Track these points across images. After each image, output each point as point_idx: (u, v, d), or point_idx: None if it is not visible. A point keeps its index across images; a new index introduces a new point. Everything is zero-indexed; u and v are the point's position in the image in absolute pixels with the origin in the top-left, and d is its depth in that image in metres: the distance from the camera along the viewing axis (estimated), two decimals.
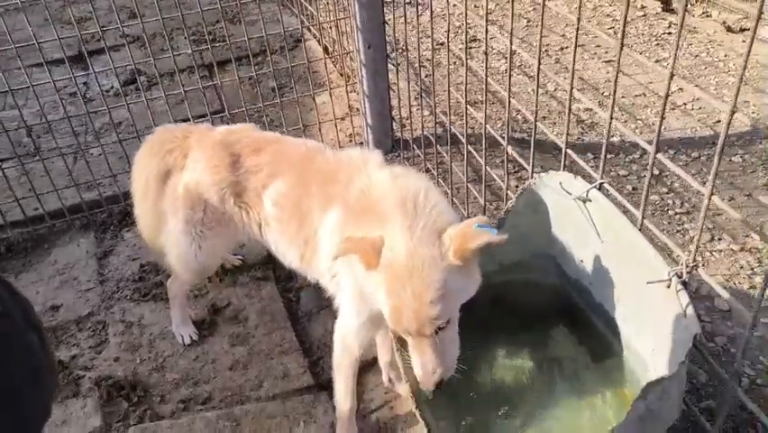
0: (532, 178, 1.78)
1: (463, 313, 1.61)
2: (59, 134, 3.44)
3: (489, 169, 2.51)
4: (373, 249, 1.55)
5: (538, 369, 1.84)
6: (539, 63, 1.86)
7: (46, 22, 3.21)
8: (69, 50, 3.76)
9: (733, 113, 1.22)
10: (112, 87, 4.34)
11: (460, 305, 1.59)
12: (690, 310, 1.32)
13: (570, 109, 1.78)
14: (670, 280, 1.36)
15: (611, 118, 1.59)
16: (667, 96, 1.41)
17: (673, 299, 1.37)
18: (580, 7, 1.64)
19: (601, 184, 1.62)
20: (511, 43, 2.02)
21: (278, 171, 2.04)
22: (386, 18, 3.13)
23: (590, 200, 1.63)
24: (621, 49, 1.50)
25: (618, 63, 1.55)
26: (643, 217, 1.52)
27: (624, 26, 1.52)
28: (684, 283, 1.38)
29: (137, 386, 2.36)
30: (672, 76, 1.33)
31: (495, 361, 1.88)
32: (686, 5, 1.30)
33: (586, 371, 1.78)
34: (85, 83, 4.46)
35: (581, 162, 1.83)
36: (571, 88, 1.73)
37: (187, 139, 2.21)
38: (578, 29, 1.70)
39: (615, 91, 1.59)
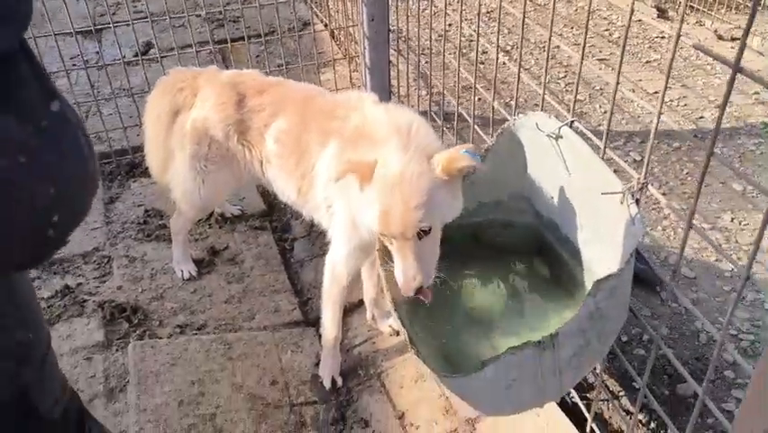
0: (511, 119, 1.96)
1: (447, 244, 1.77)
2: (75, 95, 3.62)
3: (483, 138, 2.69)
4: (368, 167, 1.71)
5: (510, 297, 2.01)
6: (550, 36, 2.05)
7: None
8: (84, 22, 3.95)
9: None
10: (124, 57, 4.53)
11: (443, 220, 1.75)
12: (638, 219, 1.50)
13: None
14: (623, 193, 1.53)
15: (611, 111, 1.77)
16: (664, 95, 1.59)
17: (626, 214, 1.54)
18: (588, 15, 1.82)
19: (572, 122, 1.80)
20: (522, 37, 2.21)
21: (280, 110, 2.21)
22: (389, 3, 3.33)
23: (562, 137, 1.81)
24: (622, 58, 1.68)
25: (619, 71, 1.73)
26: (605, 147, 1.70)
27: (626, 37, 1.70)
28: (637, 201, 1.56)
29: (138, 311, 2.53)
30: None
31: (472, 287, 2.05)
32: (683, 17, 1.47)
33: (553, 296, 1.95)
34: (98, 52, 4.65)
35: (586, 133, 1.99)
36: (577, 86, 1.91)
37: (197, 79, 2.39)
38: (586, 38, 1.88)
39: (615, 92, 1.77)
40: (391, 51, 3.45)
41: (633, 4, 1.49)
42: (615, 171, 1.71)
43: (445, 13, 3.05)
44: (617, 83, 1.62)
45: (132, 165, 3.41)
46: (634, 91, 4.33)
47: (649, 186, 1.56)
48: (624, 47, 1.61)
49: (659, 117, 1.47)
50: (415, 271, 1.68)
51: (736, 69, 1.20)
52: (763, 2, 5.27)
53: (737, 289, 2.45)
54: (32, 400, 1.03)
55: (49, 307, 2.52)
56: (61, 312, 2.50)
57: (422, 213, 1.62)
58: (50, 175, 0.79)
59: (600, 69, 4.59)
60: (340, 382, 2.32)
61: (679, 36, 1.35)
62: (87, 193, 0.89)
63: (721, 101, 1.21)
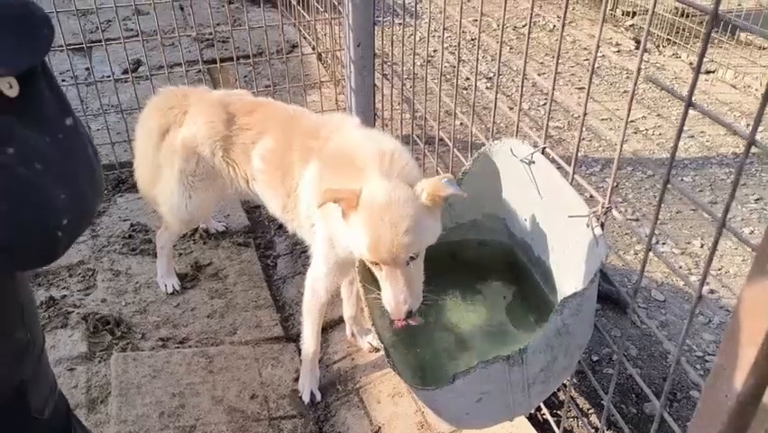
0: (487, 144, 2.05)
1: (425, 265, 1.84)
2: None
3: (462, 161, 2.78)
4: (353, 194, 1.76)
5: (485, 315, 2.08)
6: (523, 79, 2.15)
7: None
8: (75, 38, 4.02)
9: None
10: (114, 73, 4.60)
11: (428, 244, 1.83)
12: (602, 241, 1.59)
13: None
14: (588, 217, 1.62)
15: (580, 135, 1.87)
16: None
17: (591, 237, 1.63)
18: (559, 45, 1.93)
19: (544, 149, 1.90)
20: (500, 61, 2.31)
21: (266, 129, 2.29)
22: (375, 30, 3.44)
23: (534, 162, 1.90)
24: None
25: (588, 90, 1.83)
26: (573, 173, 1.80)
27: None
28: (602, 224, 1.65)
29: (121, 323, 2.57)
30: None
31: (449, 306, 2.12)
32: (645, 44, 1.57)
33: (525, 316, 2.03)
34: (87, 68, 4.72)
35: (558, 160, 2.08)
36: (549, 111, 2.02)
37: (187, 98, 2.47)
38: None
39: (584, 115, 1.87)
40: (377, 75, 3.56)
41: (598, 42, 1.60)
42: (589, 196, 1.80)
43: (428, 39, 3.16)
44: (584, 114, 1.71)
45: (119, 180, 3.46)
46: (611, 120, 4.47)
47: (613, 210, 1.65)
48: (591, 77, 1.71)
49: (621, 146, 1.56)
50: (405, 296, 1.74)
51: (689, 104, 1.30)
52: (736, 36, 5.48)
53: (704, 311, 2.55)
54: (27, 398, 1.09)
55: None
56: (46, 323, 2.53)
57: (410, 238, 1.69)
58: (63, 182, 0.87)
59: (579, 97, 4.74)
60: (318, 396, 2.38)
61: (639, 71, 1.45)
62: (95, 199, 0.98)
63: (683, 131, 1.30)
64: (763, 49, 5.37)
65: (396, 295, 1.74)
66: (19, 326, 1.06)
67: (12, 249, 0.85)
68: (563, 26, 1.79)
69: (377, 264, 1.77)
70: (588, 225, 1.65)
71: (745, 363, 1.10)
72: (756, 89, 4.85)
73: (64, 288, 2.76)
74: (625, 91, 4.87)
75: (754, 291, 1.06)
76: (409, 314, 1.77)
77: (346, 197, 1.76)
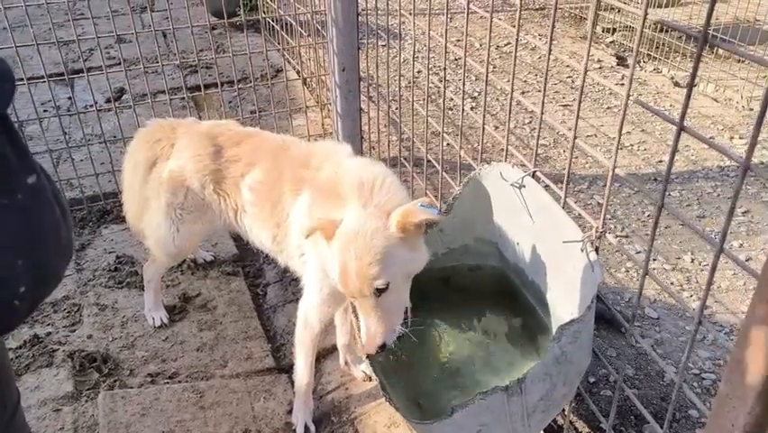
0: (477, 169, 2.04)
1: (417, 290, 1.82)
2: (46, 142, 3.63)
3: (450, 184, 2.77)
4: (332, 225, 1.77)
5: (480, 340, 2.06)
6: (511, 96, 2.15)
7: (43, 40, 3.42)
8: (56, 68, 3.98)
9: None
10: (97, 102, 4.56)
11: (405, 274, 1.78)
12: (597, 266, 1.57)
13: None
14: (582, 242, 1.61)
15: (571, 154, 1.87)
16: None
17: (585, 262, 1.62)
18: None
19: (534, 172, 1.89)
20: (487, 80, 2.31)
21: (255, 160, 2.26)
22: (360, 53, 3.44)
23: (525, 186, 1.89)
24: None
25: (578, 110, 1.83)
26: (565, 197, 1.79)
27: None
28: (596, 248, 1.64)
29: (108, 360, 2.51)
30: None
31: (444, 333, 2.09)
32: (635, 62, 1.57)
33: (520, 341, 2.00)
34: (70, 98, 4.68)
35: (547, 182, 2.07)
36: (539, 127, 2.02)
37: (175, 131, 2.44)
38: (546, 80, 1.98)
39: (576, 126, 1.87)
40: (362, 98, 3.56)
41: (585, 66, 1.59)
42: (578, 215, 1.79)
43: (413, 62, 3.17)
44: (574, 138, 1.70)
45: (103, 211, 3.41)
46: (596, 136, 4.49)
47: (607, 234, 1.64)
48: (580, 99, 1.71)
49: (613, 171, 1.55)
50: (375, 329, 1.72)
51: (681, 127, 1.29)
52: (715, 51, 5.56)
53: (700, 331, 2.54)
54: None
55: (17, 357, 2.49)
56: (30, 363, 2.47)
57: (376, 270, 1.66)
58: (17, 246, 0.81)
59: (564, 114, 4.76)
60: (313, 429, 2.32)
61: (629, 92, 1.45)
62: (59, 262, 0.91)
63: (668, 146, 1.29)
64: (742, 62, 5.44)
65: (368, 328, 1.73)
66: None
67: None
68: (550, 51, 1.79)
69: (353, 296, 1.75)
70: (582, 250, 1.63)
71: (750, 392, 1.08)
72: (737, 102, 4.91)
73: (49, 324, 2.70)
74: (608, 107, 4.90)
75: (757, 320, 1.04)
76: (382, 347, 1.73)
77: (325, 227, 1.77)
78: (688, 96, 1.26)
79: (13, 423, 1.08)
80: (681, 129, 1.30)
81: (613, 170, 1.56)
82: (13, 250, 0.80)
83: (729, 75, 5.22)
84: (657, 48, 5.62)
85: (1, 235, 0.78)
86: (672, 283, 3.10)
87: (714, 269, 1.27)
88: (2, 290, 0.80)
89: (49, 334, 2.63)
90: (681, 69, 5.46)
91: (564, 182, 1.78)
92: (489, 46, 2.12)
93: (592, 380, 2.49)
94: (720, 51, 5.55)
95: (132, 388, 2.40)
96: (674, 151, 1.33)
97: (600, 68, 5.56)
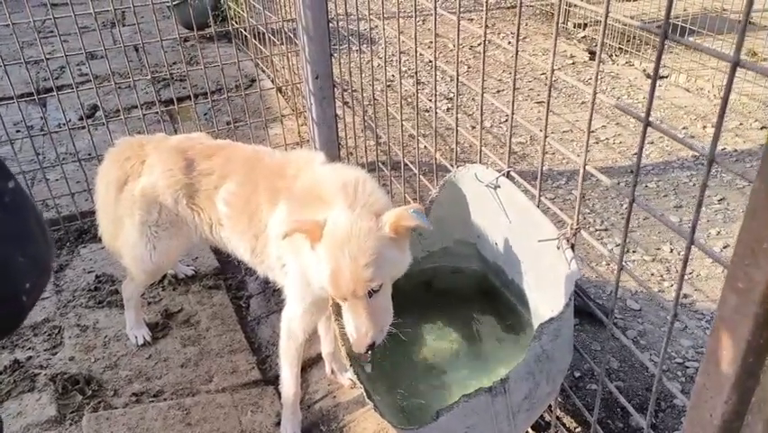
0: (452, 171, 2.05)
1: (399, 294, 1.82)
2: (18, 163, 3.59)
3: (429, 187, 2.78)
4: (317, 226, 1.76)
5: (464, 343, 2.06)
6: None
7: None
8: (27, 88, 3.94)
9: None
10: (69, 121, 4.52)
11: (392, 276, 1.80)
12: (573, 263, 1.58)
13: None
14: (558, 240, 1.62)
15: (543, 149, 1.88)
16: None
17: (562, 259, 1.63)
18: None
19: (508, 172, 1.90)
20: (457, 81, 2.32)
21: (229, 173, 2.25)
22: (333, 59, 3.44)
23: (500, 186, 1.90)
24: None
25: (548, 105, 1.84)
26: (539, 196, 1.80)
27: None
28: (572, 245, 1.65)
29: (91, 381, 2.48)
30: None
31: (427, 337, 2.09)
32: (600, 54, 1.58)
33: (503, 341, 2.01)
34: (42, 117, 4.63)
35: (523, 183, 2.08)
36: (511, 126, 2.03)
37: (144, 147, 2.42)
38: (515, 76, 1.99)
39: (546, 126, 1.88)
40: (338, 104, 3.55)
41: (552, 64, 1.60)
42: (555, 215, 1.80)
43: (385, 66, 3.17)
44: (545, 136, 1.71)
45: (81, 231, 3.37)
46: (572, 131, 4.53)
47: (585, 229, 1.65)
48: (549, 94, 1.72)
49: (584, 169, 1.56)
50: (366, 328, 1.72)
51: (647, 123, 1.30)
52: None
53: (679, 317, 2.56)
54: None
55: None
56: (11, 388, 2.43)
57: (371, 271, 1.67)
58: (18, 244, 0.84)
59: (539, 111, 4.79)
60: None
61: (596, 89, 1.46)
62: (49, 255, 0.94)
63: (640, 144, 1.31)
64: None
65: (358, 327, 1.72)
66: None
67: None
68: (517, 48, 1.80)
69: (344, 297, 1.74)
70: (558, 248, 1.64)
71: (726, 381, 1.10)
72: (709, 91, 4.97)
73: (29, 348, 2.66)
74: (583, 102, 4.94)
75: (729, 310, 1.05)
76: (371, 346, 1.74)
77: (310, 228, 1.75)
78: (652, 92, 1.27)
79: None
80: (647, 125, 1.31)
81: (584, 168, 1.57)
82: (14, 247, 0.84)
83: (700, 65, 5.29)
84: (629, 41, 5.68)
85: (2, 236, 0.82)
86: (652, 274, 3.13)
87: (686, 261, 1.28)
88: (11, 287, 0.83)
89: (29, 358, 2.60)
90: (653, 61, 5.51)
91: (538, 181, 1.79)
92: (459, 47, 2.13)
93: (578, 374, 2.50)
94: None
95: (116, 408, 2.37)
96: (642, 146, 1.34)
97: (573, 63, 5.61)
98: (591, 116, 1.48)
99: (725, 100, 1.09)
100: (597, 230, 3.46)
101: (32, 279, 0.86)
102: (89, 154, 3.61)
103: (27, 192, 0.92)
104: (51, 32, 5.97)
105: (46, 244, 0.92)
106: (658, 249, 3.32)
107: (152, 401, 2.42)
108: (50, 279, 0.95)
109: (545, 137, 1.71)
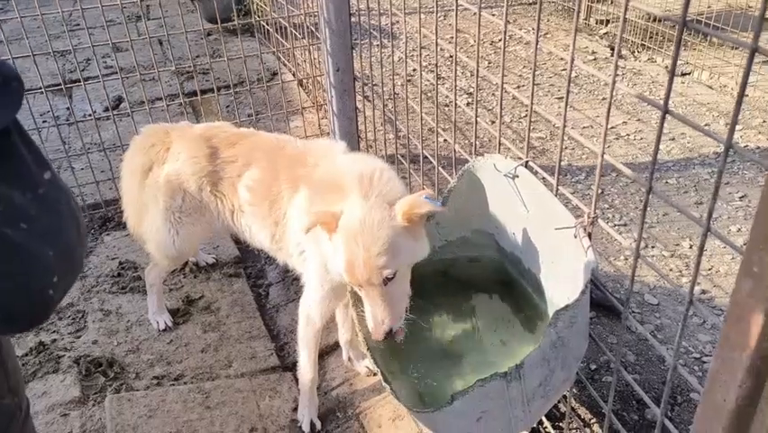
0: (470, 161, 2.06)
1: (416, 282, 1.85)
2: (46, 151, 3.67)
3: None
4: (334, 217, 1.79)
5: (479, 330, 2.08)
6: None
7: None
8: (54, 79, 4.01)
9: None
10: (95, 111, 4.60)
11: (409, 263, 1.83)
12: (590, 251, 1.59)
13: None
14: (575, 228, 1.63)
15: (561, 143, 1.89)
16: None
17: (579, 248, 1.64)
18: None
19: (527, 162, 1.91)
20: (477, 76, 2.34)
21: (251, 160, 2.29)
22: (354, 53, 3.47)
23: (518, 176, 1.91)
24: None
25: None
26: (557, 185, 1.81)
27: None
28: (589, 234, 1.66)
29: (114, 364, 2.54)
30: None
31: (443, 324, 2.12)
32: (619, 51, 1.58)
33: (519, 330, 2.02)
34: (68, 108, 4.71)
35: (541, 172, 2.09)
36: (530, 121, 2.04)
37: (169, 135, 2.46)
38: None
39: (564, 126, 1.89)
40: (358, 98, 3.58)
41: (572, 54, 1.61)
42: (575, 206, 1.81)
43: (406, 60, 3.19)
44: (564, 125, 1.73)
45: (105, 219, 3.44)
46: (592, 127, 4.51)
47: (603, 222, 1.66)
48: (568, 87, 1.73)
49: (602, 156, 1.57)
50: (383, 316, 1.74)
51: (665, 111, 1.31)
52: (709, 38, 5.57)
53: (698, 312, 2.55)
54: None
55: (24, 364, 2.52)
56: (36, 369, 2.50)
57: (384, 260, 1.70)
58: (49, 239, 0.85)
59: (559, 107, 4.78)
60: (318, 425, 2.35)
61: (614, 83, 1.47)
62: (81, 252, 0.95)
63: (663, 135, 1.32)
64: (736, 48, 5.45)
65: (375, 315, 1.75)
66: (5, 391, 1.03)
67: (4, 314, 0.82)
68: (537, 36, 1.81)
69: (360, 285, 1.77)
70: (575, 236, 1.65)
71: (739, 366, 1.10)
72: (732, 88, 4.92)
73: (54, 332, 2.72)
74: (603, 98, 4.91)
75: (743, 294, 1.06)
76: (389, 333, 1.77)
77: (327, 219, 1.78)
78: (671, 80, 1.28)
79: (27, 421, 1.11)
80: (666, 112, 1.32)
81: (602, 156, 1.58)
82: (43, 241, 0.84)
83: (723, 62, 5.23)
84: (651, 38, 5.64)
85: (34, 229, 0.82)
86: (670, 270, 3.12)
87: (702, 248, 1.29)
88: (38, 281, 0.84)
89: (54, 340, 2.66)
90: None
91: (556, 170, 1.80)
92: (479, 41, 2.14)
93: (594, 367, 2.51)
94: (714, 39, 5.56)
95: (138, 391, 2.43)
96: (660, 134, 1.35)
97: (595, 59, 5.58)
98: (612, 98, 1.49)
99: (743, 86, 1.10)
100: (616, 225, 3.45)
101: (61, 273, 0.87)
102: (114, 144, 3.69)
103: (63, 184, 0.92)
104: (78, 24, 6.08)
105: (79, 238, 0.93)
106: (677, 245, 3.30)
107: (173, 385, 2.47)
108: (80, 272, 0.96)
109: (564, 125, 1.72)
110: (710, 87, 5.03)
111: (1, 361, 1.01)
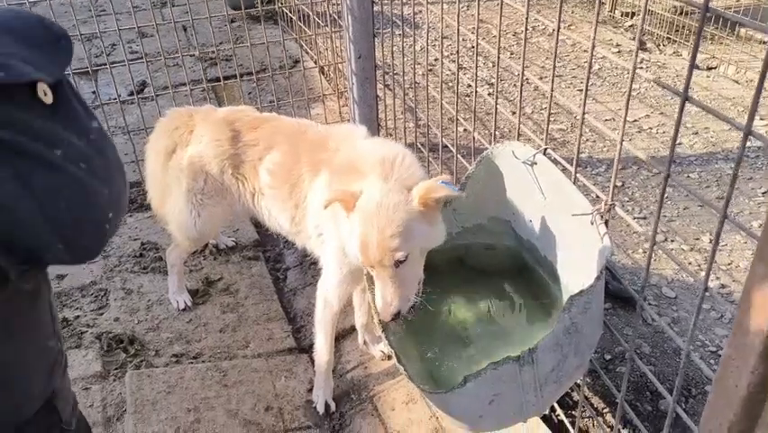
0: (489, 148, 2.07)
1: (432, 268, 1.86)
2: None
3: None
4: (353, 196, 1.82)
5: (495, 316, 2.09)
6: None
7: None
8: (80, 63, 4.08)
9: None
10: (120, 95, 4.67)
11: (422, 248, 1.84)
12: (606, 238, 1.60)
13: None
14: (592, 214, 1.63)
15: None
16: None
17: (596, 235, 1.64)
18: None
19: (545, 149, 1.91)
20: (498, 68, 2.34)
21: (273, 144, 2.32)
22: (376, 42, 3.48)
23: (536, 163, 1.91)
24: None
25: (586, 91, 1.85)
26: (576, 172, 1.81)
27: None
28: (606, 222, 1.66)
29: (134, 341, 2.60)
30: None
31: (457, 309, 2.13)
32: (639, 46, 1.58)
33: (534, 316, 2.03)
34: (94, 91, 4.78)
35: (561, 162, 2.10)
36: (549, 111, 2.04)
37: (193, 118, 2.50)
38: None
39: (583, 114, 1.89)
40: (379, 86, 3.60)
41: (593, 43, 1.61)
42: (595, 196, 1.81)
43: (427, 49, 3.19)
44: (584, 113, 1.73)
45: (128, 200, 3.50)
46: (614, 120, 4.48)
47: (616, 207, 1.66)
48: (588, 76, 1.73)
49: (621, 143, 1.58)
50: (391, 298, 1.76)
51: (685, 97, 1.31)
52: (736, 32, 5.49)
53: (715, 306, 2.54)
54: (58, 408, 1.13)
55: None
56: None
57: (397, 242, 1.71)
58: (103, 179, 0.93)
59: (581, 99, 4.74)
60: (333, 406, 2.39)
61: (635, 69, 1.47)
62: (126, 194, 1.05)
63: (686, 127, 1.32)
64: (764, 43, 5.37)
65: (384, 296, 1.77)
66: (52, 335, 1.10)
67: (68, 243, 0.89)
68: (559, 24, 1.81)
69: (372, 266, 1.79)
70: (592, 223, 1.66)
71: (752, 352, 1.11)
72: None
73: (77, 308, 2.79)
74: (626, 91, 4.87)
75: (758, 280, 1.07)
76: (397, 315, 1.78)
77: (345, 198, 1.81)
78: (691, 67, 1.28)
79: (66, 370, 1.20)
80: (686, 99, 1.32)
81: (621, 143, 1.58)
82: (100, 179, 0.92)
83: (750, 56, 5.15)
84: (677, 31, 5.57)
85: (90, 168, 0.90)
86: (689, 263, 3.10)
87: (718, 235, 1.29)
88: (99, 213, 0.93)
89: (77, 317, 2.73)
90: (701, 51, 5.40)
91: (575, 157, 1.81)
92: (500, 29, 2.14)
93: (608, 357, 2.51)
94: (741, 33, 5.48)
95: (157, 367, 2.49)
96: (679, 120, 1.35)
97: (619, 52, 5.52)
98: (631, 84, 1.49)
99: (763, 74, 1.10)
100: (635, 218, 3.43)
101: (114, 212, 0.95)
102: (138, 128, 3.74)
103: (108, 134, 1.00)
104: (104, 10, 6.15)
105: (124, 183, 1.02)
106: (697, 239, 3.28)
107: (191, 363, 2.53)
108: (125, 214, 1.03)
109: (584, 113, 1.73)
110: (736, 82, 4.96)
111: (49, 304, 1.08)
